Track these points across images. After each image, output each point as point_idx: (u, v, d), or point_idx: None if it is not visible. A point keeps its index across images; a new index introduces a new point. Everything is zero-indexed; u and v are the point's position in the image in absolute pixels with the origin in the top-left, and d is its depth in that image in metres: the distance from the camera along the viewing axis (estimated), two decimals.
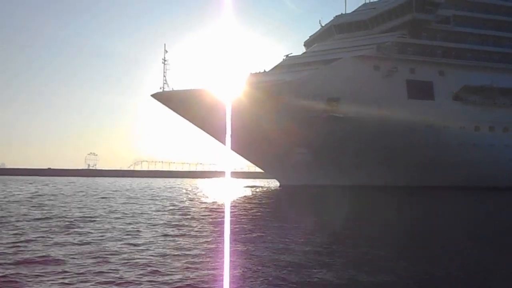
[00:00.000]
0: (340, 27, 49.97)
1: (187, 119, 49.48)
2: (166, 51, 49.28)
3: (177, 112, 49.18)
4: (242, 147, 50.03)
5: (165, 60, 48.83)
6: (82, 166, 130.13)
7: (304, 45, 58.22)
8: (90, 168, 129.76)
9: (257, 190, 45.52)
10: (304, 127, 44.86)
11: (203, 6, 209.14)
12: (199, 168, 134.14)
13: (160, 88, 48.12)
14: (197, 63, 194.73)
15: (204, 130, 49.59)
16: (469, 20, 49.63)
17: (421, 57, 46.56)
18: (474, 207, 28.26)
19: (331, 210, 23.01)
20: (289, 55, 49.97)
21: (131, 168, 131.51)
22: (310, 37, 57.27)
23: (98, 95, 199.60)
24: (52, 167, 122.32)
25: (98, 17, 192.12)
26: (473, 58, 48.59)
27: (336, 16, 51.35)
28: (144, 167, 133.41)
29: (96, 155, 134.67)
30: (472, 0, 49.96)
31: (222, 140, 49.85)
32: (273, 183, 61.74)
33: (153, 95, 48.48)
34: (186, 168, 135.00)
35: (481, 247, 11.70)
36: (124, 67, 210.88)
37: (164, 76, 48.47)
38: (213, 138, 50.98)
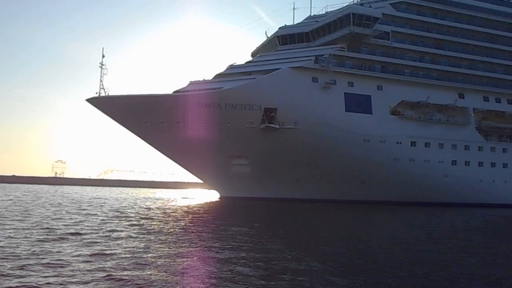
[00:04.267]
0: (283, 38, 49.83)
1: (123, 126, 47.80)
2: (103, 56, 47.84)
3: (113, 118, 47.50)
4: (180, 157, 48.80)
5: (102, 65, 47.29)
6: (49, 173, 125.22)
7: (252, 55, 57.83)
8: (58, 176, 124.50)
9: (191, 201, 44.39)
10: (241, 137, 44.10)
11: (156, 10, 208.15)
12: (171, 179, 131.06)
13: (96, 93, 46.51)
14: (144, 67, 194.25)
15: (140, 137, 48.00)
16: (407, 37, 50.41)
17: (359, 70, 46.75)
18: (411, 223, 27.94)
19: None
20: (233, 64, 49.37)
21: (101, 177, 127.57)
22: (257, 48, 57.05)
23: (67, 100, 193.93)
24: (16, 174, 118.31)
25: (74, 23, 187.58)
26: (411, 74, 49.21)
27: (280, 27, 51.26)
28: (115, 176, 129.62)
29: (64, 162, 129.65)
30: (411, 18, 50.81)
31: (157, 147, 48.52)
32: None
33: (88, 100, 46.71)
34: (157, 178, 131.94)
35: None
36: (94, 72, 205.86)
37: (101, 80, 46.92)
38: (152, 147, 49.54)
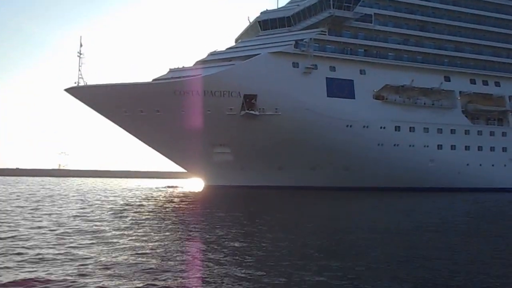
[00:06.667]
0: (264, 23, 48.77)
1: (104, 115, 47.18)
2: (81, 45, 47.16)
3: (92, 108, 46.88)
4: (162, 146, 48.20)
5: (80, 54, 46.74)
6: (52, 166, 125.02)
7: (235, 41, 56.80)
8: (61, 168, 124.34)
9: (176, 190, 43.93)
10: (222, 125, 43.39)
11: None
12: (176, 169, 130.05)
13: (75, 83, 45.90)
14: (123, 52, 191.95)
15: (121, 127, 47.42)
16: (391, 19, 49.13)
17: (341, 55, 45.79)
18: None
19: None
20: (214, 51, 48.47)
21: (104, 169, 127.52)
22: (240, 33, 56.02)
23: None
24: (20, 167, 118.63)
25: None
26: (395, 57, 48.20)
27: (261, 12, 50.18)
28: (118, 167, 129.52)
29: (68, 154, 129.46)
30: None
31: (138, 136, 47.96)
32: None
33: (66, 90, 46.06)
34: (159, 168, 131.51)
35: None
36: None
37: (79, 70, 46.38)
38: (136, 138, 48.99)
